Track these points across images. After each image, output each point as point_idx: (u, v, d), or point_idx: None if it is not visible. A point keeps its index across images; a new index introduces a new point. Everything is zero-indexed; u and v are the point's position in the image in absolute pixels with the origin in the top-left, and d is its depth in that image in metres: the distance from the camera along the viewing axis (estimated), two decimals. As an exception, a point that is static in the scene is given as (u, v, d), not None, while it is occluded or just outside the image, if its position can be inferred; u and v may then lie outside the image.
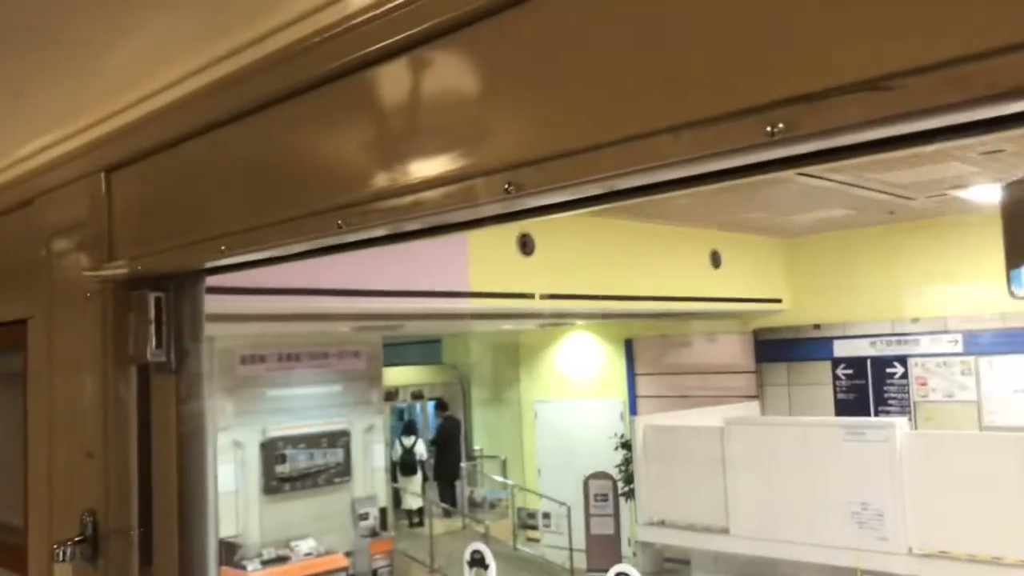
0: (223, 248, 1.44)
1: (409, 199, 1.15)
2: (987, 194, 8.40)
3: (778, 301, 11.34)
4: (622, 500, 12.16)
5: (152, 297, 1.63)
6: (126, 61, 1.79)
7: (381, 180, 1.22)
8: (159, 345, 1.62)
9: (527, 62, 1.06)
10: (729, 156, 0.86)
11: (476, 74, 1.15)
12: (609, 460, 12.52)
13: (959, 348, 10.09)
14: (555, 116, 1.02)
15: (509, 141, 1.08)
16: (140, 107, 1.75)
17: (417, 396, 15.89)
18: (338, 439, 11.91)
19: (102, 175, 1.79)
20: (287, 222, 1.33)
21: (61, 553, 1.68)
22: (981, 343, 9.91)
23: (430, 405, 16.03)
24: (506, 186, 1.04)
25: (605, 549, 12.11)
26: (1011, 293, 0.74)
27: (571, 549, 12.82)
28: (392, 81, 1.25)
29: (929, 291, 10.06)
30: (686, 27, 0.89)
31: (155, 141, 1.70)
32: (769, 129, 0.82)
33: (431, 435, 15.63)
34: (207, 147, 1.60)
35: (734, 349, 12.04)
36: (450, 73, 1.19)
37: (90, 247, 1.79)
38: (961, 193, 8.30)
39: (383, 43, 1.21)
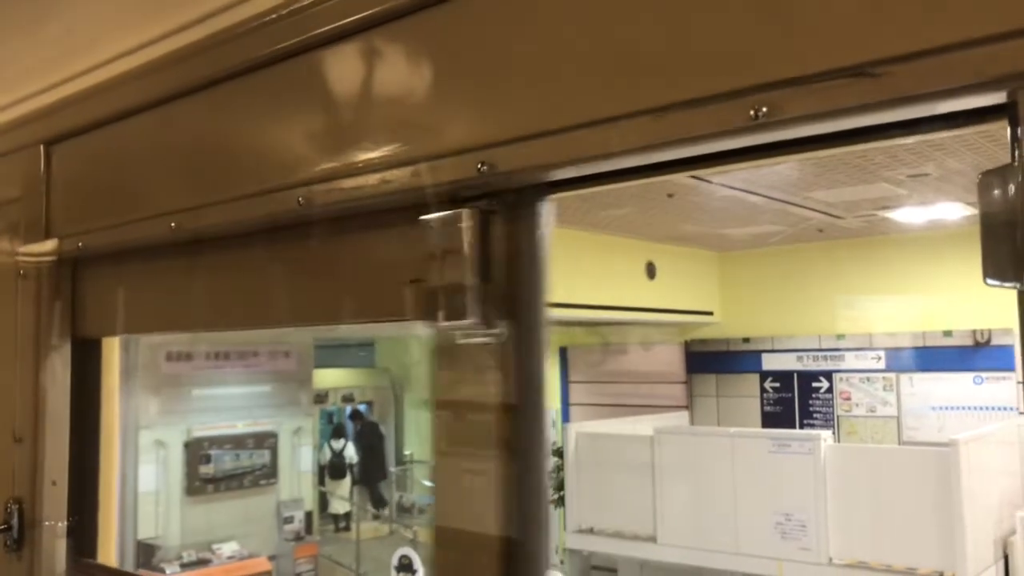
0: (172, 225, 1.38)
1: (375, 177, 1.13)
2: (912, 215, 8.67)
3: (710, 314, 11.51)
4: (552, 507, 12.17)
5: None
6: (67, 31, 1.72)
7: (346, 158, 1.19)
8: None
9: (508, 39, 1.05)
10: (712, 140, 0.86)
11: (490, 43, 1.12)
12: (540, 467, 12.51)
13: (882, 364, 10.39)
14: (532, 97, 1.01)
15: (484, 121, 1.06)
16: (83, 79, 1.67)
17: (348, 399, 15.69)
18: (265, 440, 11.69)
19: (40, 148, 1.71)
20: (243, 199, 1.28)
21: (-19, 543, 1.59)
22: (902, 360, 10.21)
23: (347, 410, 15.85)
24: (479, 165, 1.02)
25: (533, 556, 12.07)
26: (985, 280, 0.74)
27: (499, 556, 12.77)
28: (349, 62, 1.22)
29: (855, 308, 10.33)
30: (672, 8, 0.89)
31: (99, 114, 1.62)
32: (752, 112, 0.82)
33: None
34: (154, 123, 1.54)
35: (666, 359, 12.17)
36: (446, 46, 1.17)
37: (25, 224, 1.70)
38: (888, 214, 8.55)
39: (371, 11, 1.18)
